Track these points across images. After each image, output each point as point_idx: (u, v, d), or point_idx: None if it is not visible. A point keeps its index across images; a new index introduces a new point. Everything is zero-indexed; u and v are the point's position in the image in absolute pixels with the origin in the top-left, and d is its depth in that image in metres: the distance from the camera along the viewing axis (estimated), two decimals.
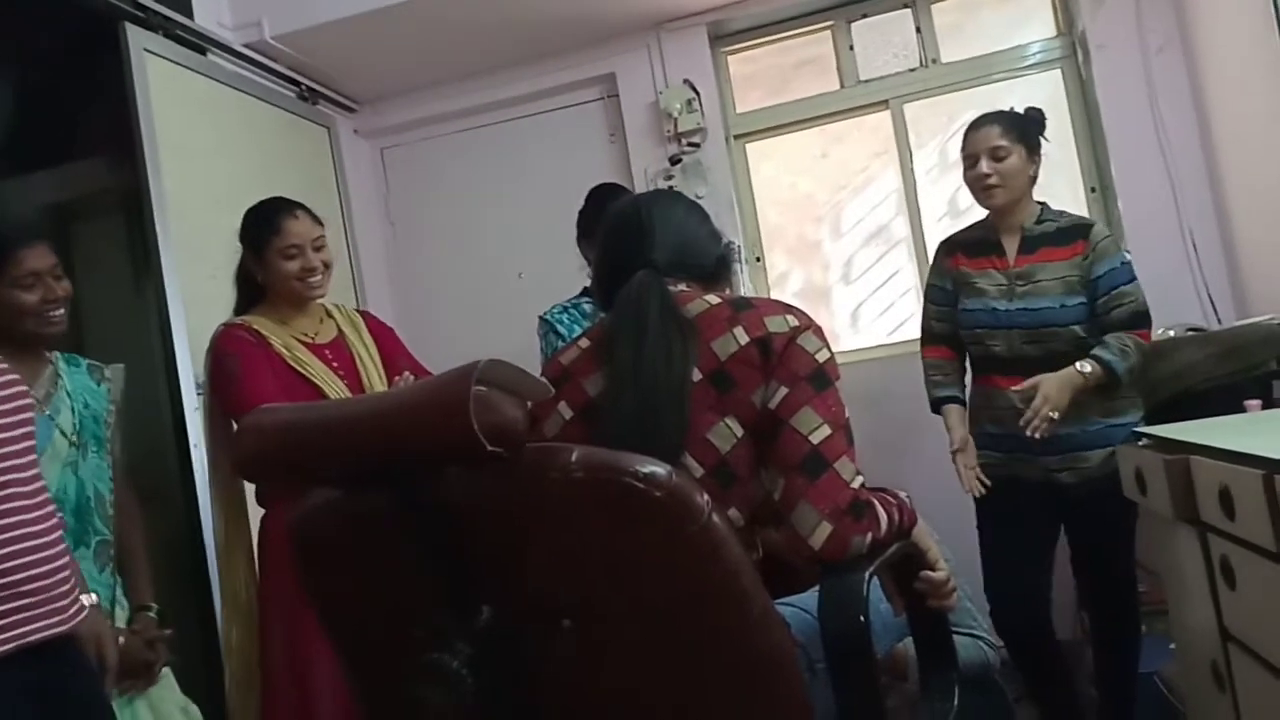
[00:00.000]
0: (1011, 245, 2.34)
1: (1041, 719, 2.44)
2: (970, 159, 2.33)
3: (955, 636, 1.83)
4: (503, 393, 0.92)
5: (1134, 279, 2.27)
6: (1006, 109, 2.40)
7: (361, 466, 0.97)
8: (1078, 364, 2.17)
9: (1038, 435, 2.12)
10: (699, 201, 1.60)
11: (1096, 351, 2.18)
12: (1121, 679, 2.40)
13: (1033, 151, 2.33)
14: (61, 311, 1.85)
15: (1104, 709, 2.45)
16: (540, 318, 2.80)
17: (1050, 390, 2.14)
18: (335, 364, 2.17)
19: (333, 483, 1.07)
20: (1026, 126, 2.34)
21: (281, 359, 2.08)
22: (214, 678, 2.25)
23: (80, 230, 3.13)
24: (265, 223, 2.14)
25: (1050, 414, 2.12)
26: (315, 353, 2.15)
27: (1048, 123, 2.40)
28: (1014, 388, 2.22)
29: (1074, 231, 2.31)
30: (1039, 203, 2.38)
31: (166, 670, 1.96)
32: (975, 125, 2.36)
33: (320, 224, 2.20)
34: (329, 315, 2.28)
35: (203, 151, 2.88)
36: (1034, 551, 2.34)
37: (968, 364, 2.50)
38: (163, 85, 2.73)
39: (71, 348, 2.06)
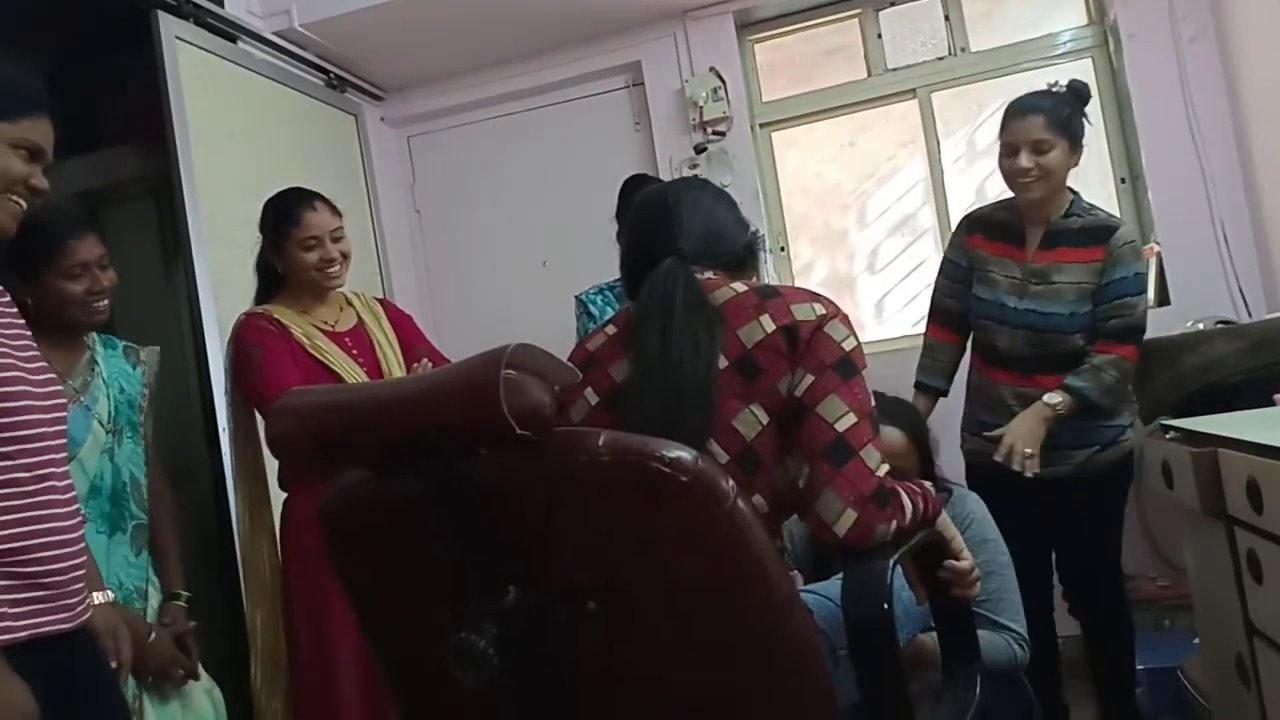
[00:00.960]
0: (1034, 236, 2.28)
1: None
2: (1009, 148, 2.23)
3: (986, 631, 1.84)
4: (532, 377, 0.93)
5: (1142, 292, 2.22)
6: (1049, 88, 2.30)
7: (392, 448, 0.98)
8: (1046, 397, 2.15)
9: (1027, 474, 2.11)
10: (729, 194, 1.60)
11: (1069, 380, 2.15)
12: (1118, 674, 2.38)
13: (1075, 144, 2.23)
14: (105, 302, 1.88)
15: (1105, 705, 2.43)
16: (576, 298, 2.83)
17: (1019, 434, 2.13)
18: (355, 351, 2.20)
19: (363, 464, 1.08)
20: (1071, 117, 2.23)
21: (302, 347, 2.11)
22: (241, 658, 2.28)
23: (111, 216, 3.17)
24: (284, 214, 2.16)
25: (1025, 451, 2.11)
26: (335, 340, 2.18)
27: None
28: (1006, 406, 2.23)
29: (1097, 233, 2.22)
30: (1071, 191, 2.30)
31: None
32: (1018, 112, 2.24)
33: (338, 214, 2.22)
34: (348, 304, 2.30)
35: (232, 138, 2.90)
36: (1031, 535, 2.28)
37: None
38: (193, 73, 2.76)
39: (106, 332, 2.09)
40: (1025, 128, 2.20)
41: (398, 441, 0.97)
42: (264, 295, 2.24)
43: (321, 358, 2.12)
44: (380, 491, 1.08)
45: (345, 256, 2.20)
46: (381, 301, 2.44)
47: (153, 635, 1.83)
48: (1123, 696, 2.39)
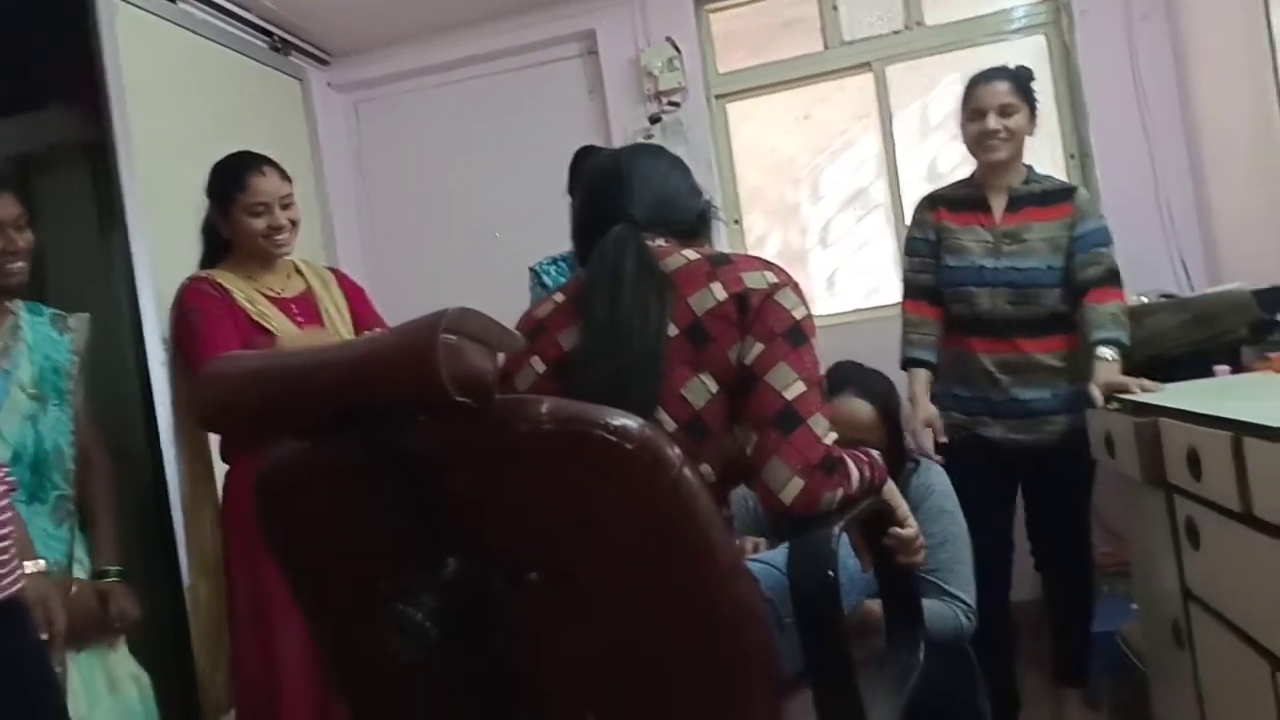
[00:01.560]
0: (998, 204, 2.35)
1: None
2: (977, 113, 2.32)
3: (933, 600, 1.86)
4: (472, 342, 0.91)
5: (1111, 242, 2.29)
6: (1005, 65, 2.40)
7: (328, 415, 0.95)
8: (1100, 352, 2.13)
9: (1142, 395, 1.96)
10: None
11: (1099, 336, 2.16)
12: (1077, 637, 2.44)
13: (1033, 112, 2.35)
14: (22, 264, 1.82)
15: (1061, 666, 2.50)
16: (530, 269, 2.80)
17: (1110, 386, 2.04)
18: (300, 318, 2.16)
19: (299, 433, 1.05)
20: (1029, 86, 2.34)
21: (245, 313, 2.07)
22: (181, 634, 2.24)
23: (44, 180, 3.04)
24: (232, 179, 2.10)
25: (1136, 385, 2.00)
26: (280, 307, 2.14)
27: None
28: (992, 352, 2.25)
29: (1059, 195, 2.33)
30: (1026, 165, 2.39)
31: (120, 639, 1.94)
32: (983, 79, 2.34)
33: (288, 180, 2.17)
34: (297, 271, 2.26)
35: (171, 102, 2.81)
36: (996, 508, 2.37)
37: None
38: (132, 34, 2.67)
39: (34, 300, 2.02)
40: (992, 92, 2.30)
41: (334, 408, 0.94)
42: (209, 260, 2.19)
43: (265, 324, 2.07)
44: (317, 461, 1.04)
45: (294, 224, 2.16)
46: (334, 271, 2.39)
47: (74, 589, 1.78)
48: (1080, 654, 2.45)
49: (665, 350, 1.23)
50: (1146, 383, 1.98)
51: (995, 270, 2.30)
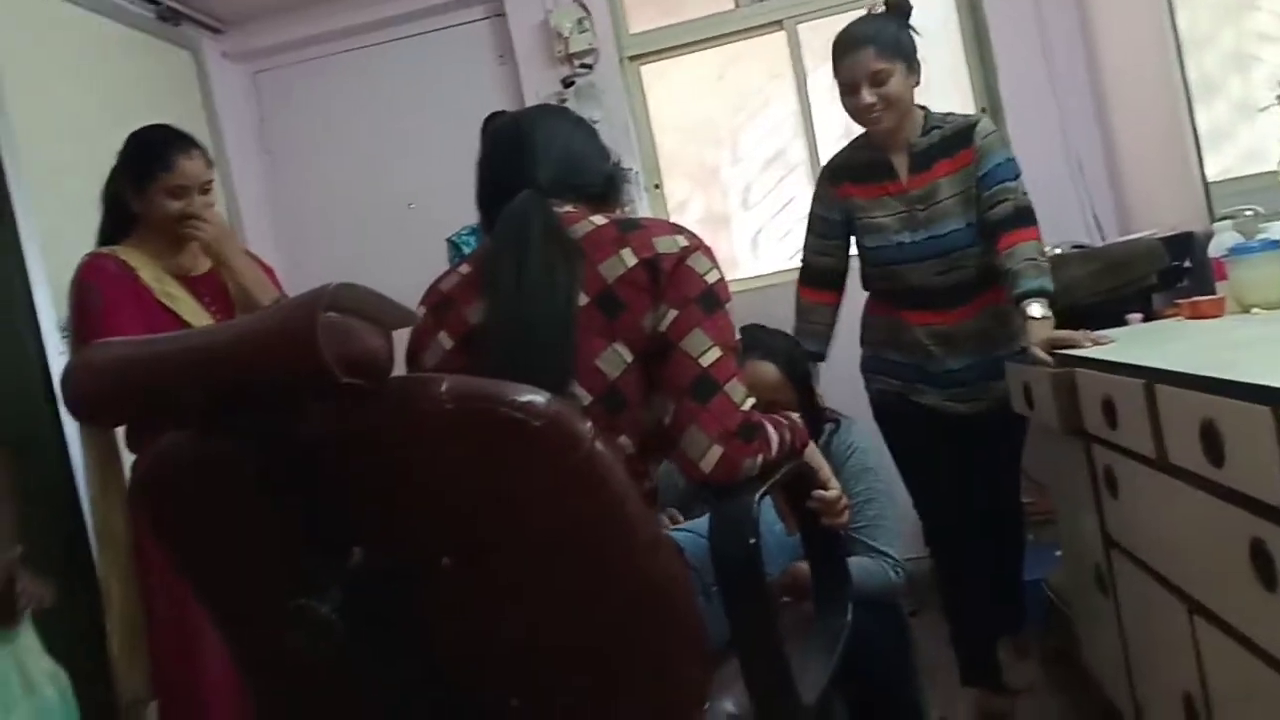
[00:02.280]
0: (901, 163, 2.19)
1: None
2: (848, 87, 2.11)
3: (859, 558, 1.86)
4: (359, 320, 0.85)
5: (1018, 175, 2.12)
6: (870, 13, 2.19)
7: (208, 403, 0.88)
8: (1029, 310, 1.95)
9: (1088, 347, 1.84)
10: (594, 126, 1.52)
11: (1020, 288, 1.98)
12: (1011, 591, 2.43)
13: (911, 62, 2.12)
14: None
15: (996, 618, 2.50)
16: (448, 240, 2.73)
17: (1044, 343, 1.91)
18: (208, 299, 2.06)
19: (181, 424, 0.98)
20: (899, 37, 2.11)
21: (151, 293, 1.96)
22: (95, 628, 2.14)
23: None
24: (155, 156, 1.97)
25: (1070, 337, 1.88)
26: (188, 287, 2.03)
27: (916, 25, 2.18)
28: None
29: (960, 137, 2.15)
30: (920, 108, 2.19)
31: (33, 635, 1.84)
32: (847, 49, 2.11)
33: (211, 165, 2.06)
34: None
35: (52, 78, 2.66)
36: (935, 467, 2.29)
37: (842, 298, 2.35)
38: (4, 6, 2.50)
39: None
40: (857, 63, 2.08)
41: (214, 397, 0.87)
42: (110, 234, 2.05)
43: (172, 305, 1.97)
44: (203, 451, 0.97)
45: (209, 209, 2.04)
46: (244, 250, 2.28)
47: None
48: (1013, 605, 2.44)
49: (576, 320, 1.19)
50: (1095, 334, 1.86)
51: (915, 244, 2.16)
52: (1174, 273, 2.44)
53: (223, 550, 1.04)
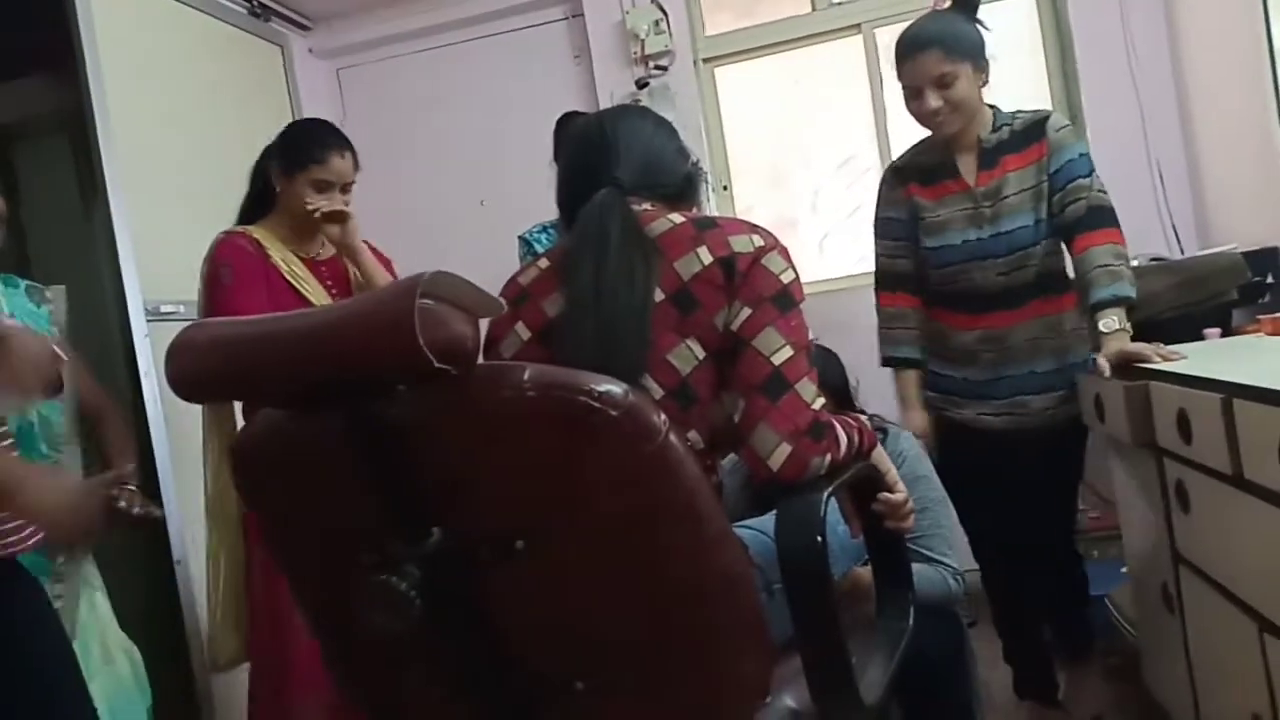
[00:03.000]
0: (969, 163, 2.11)
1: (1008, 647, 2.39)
2: (912, 91, 2.04)
3: (921, 565, 1.85)
4: (450, 307, 0.89)
5: (1092, 171, 2.03)
6: (938, 11, 2.11)
7: (306, 384, 0.93)
8: (1101, 325, 1.88)
9: (1160, 361, 1.79)
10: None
11: (1095, 297, 1.91)
12: (1076, 615, 2.36)
13: (979, 61, 2.03)
14: None
15: (1061, 643, 2.41)
16: (519, 237, 2.77)
17: (1117, 358, 1.86)
18: (330, 282, 2.15)
19: (277, 402, 1.03)
20: (965, 36, 2.03)
21: (279, 272, 2.05)
22: (172, 611, 2.22)
23: (23, 152, 3.00)
24: (311, 147, 2.08)
25: (1143, 352, 1.82)
26: (313, 270, 2.13)
27: (993, 28, 2.11)
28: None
29: (1031, 131, 2.07)
30: (990, 107, 2.12)
31: (108, 606, 1.92)
32: (909, 51, 2.03)
33: (358, 168, 2.16)
34: None
35: (149, 71, 2.77)
36: (1001, 494, 2.22)
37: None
38: (107, 1, 2.61)
39: (15, 273, 1.99)
40: (922, 66, 2.01)
41: (312, 378, 0.92)
42: (249, 213, 2.16)
43: (298, 285, 2.07)
44: (295, 430, 1.02)
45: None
46: (365, 242, 2.36)
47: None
48: (1079, 632, 2.38)
49: (651, 316, 1.21)
50: (1165, 349, 1.79)
51: (980, 241, 2.08)
52: (1256, 288, 2.39)
53: (308, 524, 1.08)
